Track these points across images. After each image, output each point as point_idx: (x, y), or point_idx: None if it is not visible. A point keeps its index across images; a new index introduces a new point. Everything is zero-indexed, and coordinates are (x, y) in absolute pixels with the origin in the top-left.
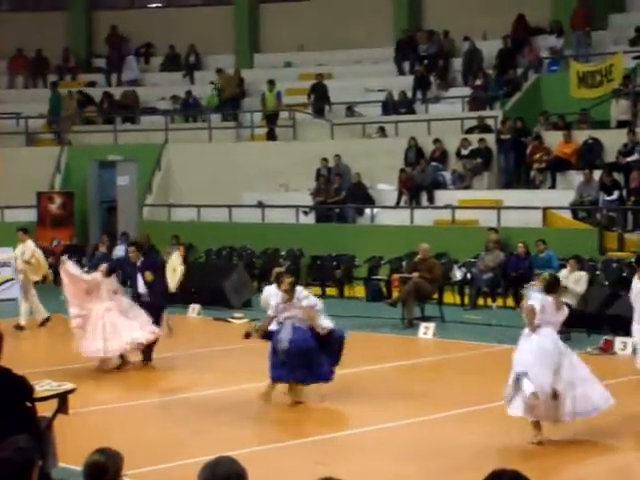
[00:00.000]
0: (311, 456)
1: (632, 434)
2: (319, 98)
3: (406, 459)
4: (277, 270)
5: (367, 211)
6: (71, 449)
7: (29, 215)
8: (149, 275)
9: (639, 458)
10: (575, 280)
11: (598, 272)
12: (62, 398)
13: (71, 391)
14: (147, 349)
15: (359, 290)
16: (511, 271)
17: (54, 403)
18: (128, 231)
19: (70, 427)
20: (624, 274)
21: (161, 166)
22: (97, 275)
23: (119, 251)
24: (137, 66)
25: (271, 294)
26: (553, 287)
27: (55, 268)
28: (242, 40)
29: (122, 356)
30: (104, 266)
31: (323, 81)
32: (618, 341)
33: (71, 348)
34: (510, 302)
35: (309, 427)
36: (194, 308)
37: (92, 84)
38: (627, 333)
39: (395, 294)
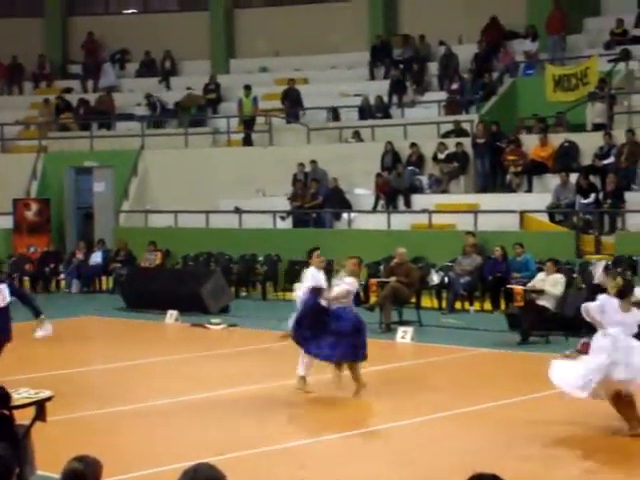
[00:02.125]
0: (292, 461)
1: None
2: (292, 103)
3: (389, 463)
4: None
5: (344, 216)
6: (49, 457)
7: (5, 222)
8: None
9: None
10: (552, 283)
11: (575, 275)
12: (40, 406)
13: (49, 399)
14: None
15: None
16: (488, 275)
17: (32, 411)
18: (105, 237)
19: (48, 435)
20: None
21: (137, 172)
22: None
23: (96, 257)
24: (114, 72)
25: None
26: (624, 293)
27: (32, 275)
28: (218, 46)
29: None
30: None
31: (295, 86)
32: None
33: (48, 355)
34: (488, 306)
35: (290, 432)
36: (172, 314)
37: (68, 90)
38: None
39: (373, 298)
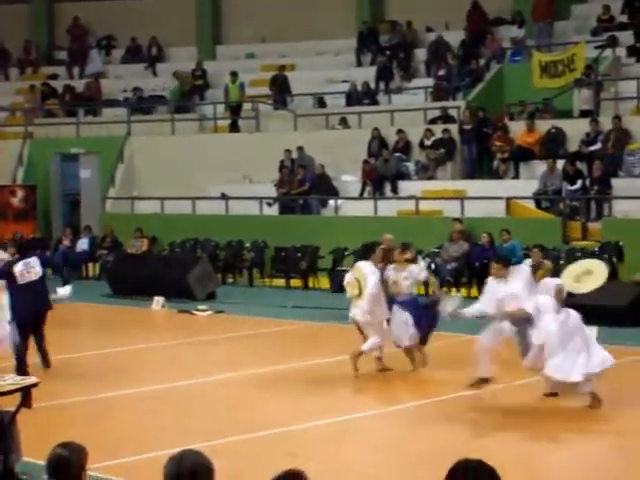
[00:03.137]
0: (280, 447)
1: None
2: (280, 90)
3: (374, 449)
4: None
5: (331, 202)
6: (34, 443)
7: None
8: None
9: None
10: None
11: (562, 261)
12: (25, 392)
13: (34, 385)
14: None
15: (324, 281)
16: (475, 261)
17: (17, 397)
18: (91, 224)
19: (33, 421)
20: None
21: (124, 158)
22: None
23: (82, 244)
24: (101, 59)
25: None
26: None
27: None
28: (204, 32)
29: None
30: None
31: (284, 72)
32: None
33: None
34: (474, 292)
35: (278, 418)
36: (158, 301)
37: (54, 77)
38: (590, 322)
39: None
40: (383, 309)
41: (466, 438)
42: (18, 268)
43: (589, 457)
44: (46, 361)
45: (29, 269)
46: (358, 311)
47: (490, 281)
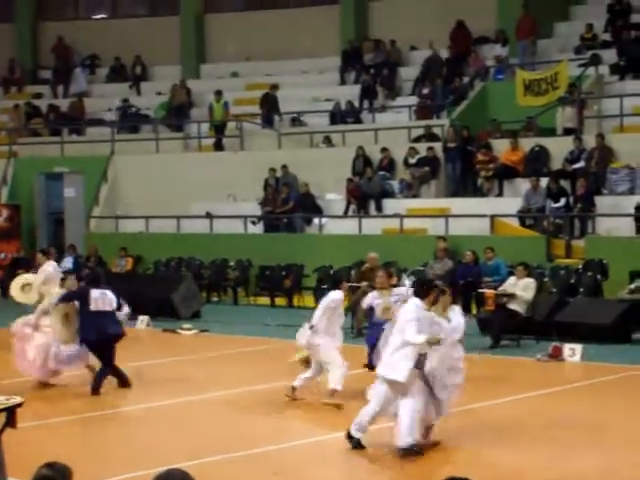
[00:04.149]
0: (265, 467)
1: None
2: (270, 108)
3: (356, 469)
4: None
5: (315, 221)
6: (19, 463)
7: None
8: None
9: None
10: (523, 287)
11: (546, 279)
12: (10, 412)
13: (19, 405)
14: None
15: (308, 299)
16: (460, 279)
17: (2, 417)
18: (75, 243)
19: (18, 441)
20: (572, 281)
21: (108, 178)
22: None
23: (67, 263)
24: (85, 78)
25: None
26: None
27: (2, 281)
28: (188, 51)
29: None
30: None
31: (275, 92)
32: (567, 347)
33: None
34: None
35: (263, 437)
36: (142, 319)
37: (38, 96)
38: (575, 339)
39: (344, 303)
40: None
41: (448, 456)
42: (94, 295)
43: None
44: (123, 381)
45: (104, 298)
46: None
47: None
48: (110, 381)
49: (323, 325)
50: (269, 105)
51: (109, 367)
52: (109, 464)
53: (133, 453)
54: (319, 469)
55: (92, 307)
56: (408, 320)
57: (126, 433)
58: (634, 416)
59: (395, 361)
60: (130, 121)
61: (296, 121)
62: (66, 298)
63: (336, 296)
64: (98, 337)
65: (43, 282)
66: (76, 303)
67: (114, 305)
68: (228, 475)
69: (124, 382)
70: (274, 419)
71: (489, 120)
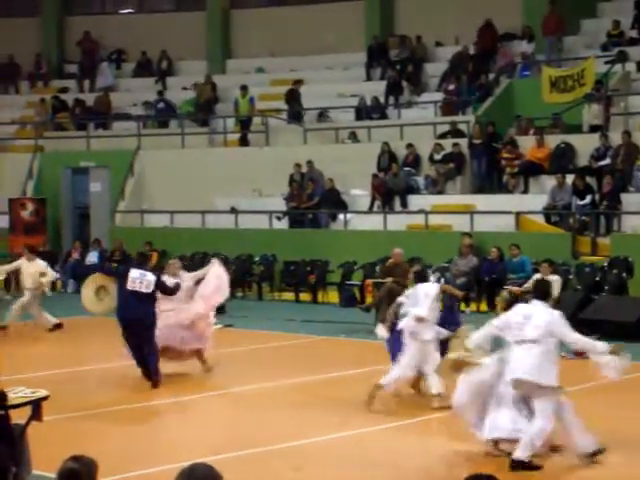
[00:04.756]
0: (286, 462)
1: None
2: (296, 104)
3: (381, 465)
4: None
5: (340, 216)
6: (45, 457)
7: (1, 222)
8: None
9: (621, 464)
10: None
11: (571, 276)
12: (36, 405)
13: (45, 398)
14: None
15: (333, 295)
16: (484, 276)
17: (28, 410)
18: (101, 237)
19: (44, 434)
20: (597, 278)
21: (134, 172)
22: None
23: (92, 257)
24: (111, 72)
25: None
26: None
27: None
28: (214, 46)
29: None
30: None
31: (299, 87)
32: None
33: (44, 355)
34: (484, 307)
35: (285, 432)
36: None
37: (64, 90)
38: (600, 337)
39: (369, 299)
40: None
41: (465, 454)
42: (133, 274)
43: None
44: (149, 377)
45: (142, 279)
46: None
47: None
48: (136, 376)
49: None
50: (294, 100)
51: (147, 353)
52: (135, 458)
53: (158, 447)
54: (338, 465)
55: (130, 286)
56: (564, 324)
57: (151, 427)
58: None
59: (543, 365)
60: (157, 116)
61: (322, 116)
62: (107, 271)
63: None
64: (126, 316)
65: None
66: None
67: (150, 289)
68: (249, 470)
69: (151, 379)
70: (297, 414)
71: (514, 117)
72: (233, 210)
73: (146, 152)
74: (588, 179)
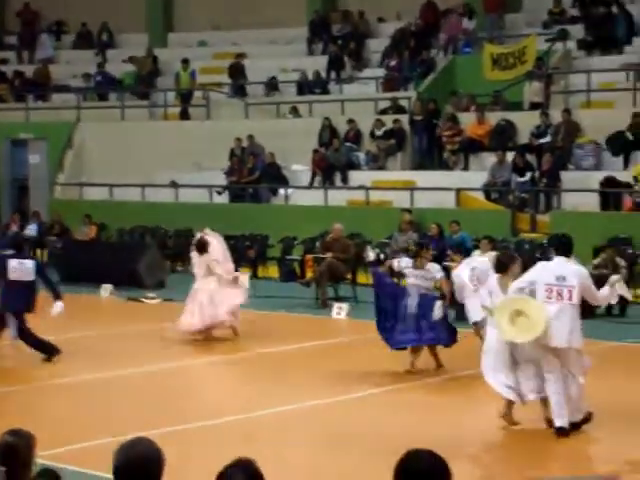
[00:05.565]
0: (231, 435)
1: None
2: (240, 77)
3: (323, 438)
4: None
5: (281, 191)
6: None
7: None
8: None
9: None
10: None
11: None
12: None
13: None
14: None
15: (273, 270)
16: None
17: None
18: (39, 210)
19: None
20: (537, 255)
21: (73, 144)
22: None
23: (30, 229)
24: (51, 44)
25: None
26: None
27: None
28: (156, 19)
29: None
30: None
31: (242, 61)
32: None
33: None
34: None
35: (229, 406)
36: (106, 288)
37: (4, 61)
38: None
39: (309, 274)
40: None
41: (421, 427)
42: (12, 264)
43: None
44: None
45: (22, 268)
46: None
47: None
48: (65, 351)
49: None
50: (239, 74)
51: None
52: (74, 431)
53: (98, 421)
54: (285, 437)
55: (10, 277)
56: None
57: (91, 401)
58: None
59: (575, 327)
60: (96, 89)
61: (269, 88)
62: None
63: None
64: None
65: None
66: None
67: (32, 276)
68: (191, 443)
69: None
70: (240, 388)
71: (455, 93)
72: (173, 184)
73: (86, 124)
74: (528, 156)
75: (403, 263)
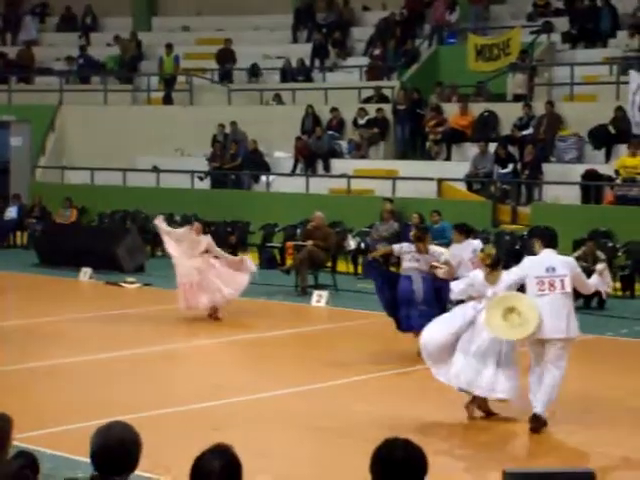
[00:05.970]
0: (204, 422)
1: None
2: (230, 63)
3: (300, 426)
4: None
5: (263, 178)
6: None
7: None
8: None
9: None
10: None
11: (490, 244)
12: None
13: None
14: None
15: (253, 257)
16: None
17: None
18: (20, 192)
19: None
20: (517, 247)
21: (55, 127)
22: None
23: (11, 212)
24: (35, 26)
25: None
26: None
27: None
28: (140, 3)
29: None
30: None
31: (231, 47)
32: None
33: None
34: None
35: (202, 393)
36: (86, 272)
37: None
38: None
39: (289, 261)
40: None
41: (404, 414)
42: None
43: None
44: None
45: None
46: None
47: None
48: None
49: None
50: (229, 60)
51: None
52: (51, 415)
53: (74, 405)
54: (256, 426)
55: None
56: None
57: (68, 384)
58: None
59: (571, 317)
60: (79, 72)
61: (252, 73)
62: None
63: None
64: None
65: None
66: None
67: None
68: (166, 429)
69: None
70: (214, 375)
71: (439, 84)
72: (155, 169)
73: (68, 108)
74: (510, 148)
75: (405, 248)
